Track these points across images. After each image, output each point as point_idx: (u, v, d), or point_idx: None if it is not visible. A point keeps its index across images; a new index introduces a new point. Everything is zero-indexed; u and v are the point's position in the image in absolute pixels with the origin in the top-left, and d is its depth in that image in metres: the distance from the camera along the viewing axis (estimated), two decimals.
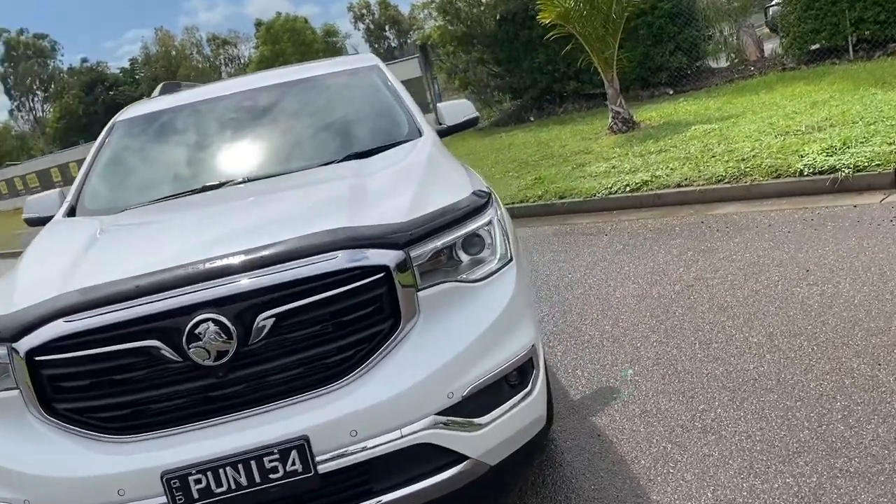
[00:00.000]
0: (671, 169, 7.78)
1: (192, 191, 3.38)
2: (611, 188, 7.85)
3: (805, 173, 6.45)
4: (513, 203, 8.62)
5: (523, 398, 2.53)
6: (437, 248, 2.48)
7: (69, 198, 3.67)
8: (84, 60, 73.13)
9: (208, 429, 2.24)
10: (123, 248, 2.76)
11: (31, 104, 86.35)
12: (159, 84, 4.94)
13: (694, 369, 3.62)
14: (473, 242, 2.61)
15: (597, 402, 3.52)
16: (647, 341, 4.07)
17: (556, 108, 15.96)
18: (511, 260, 2.68)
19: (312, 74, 4.18)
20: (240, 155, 3.71)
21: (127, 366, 2.24)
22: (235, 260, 2.28)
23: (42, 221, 3.75)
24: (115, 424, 2.27)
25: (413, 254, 2.41)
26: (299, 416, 2.24)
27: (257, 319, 2.22)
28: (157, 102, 4.29)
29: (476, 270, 2.57)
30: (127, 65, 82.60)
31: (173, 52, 76.86)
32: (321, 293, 2.27)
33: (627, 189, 7.65)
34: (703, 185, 7.12)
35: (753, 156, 7.29)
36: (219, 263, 2.28)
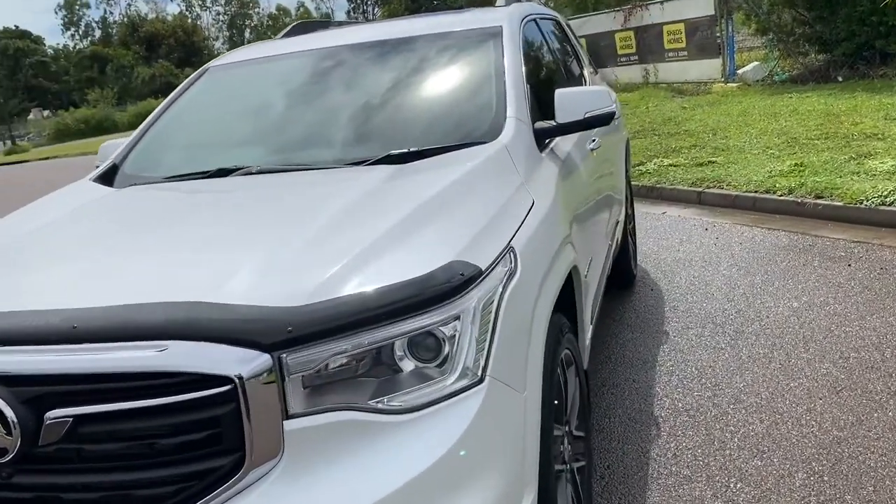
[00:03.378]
0: None
1: (204, 173, 2.78)
2: (885, 196, 5.98)
3: None
4: (756, 191, 7.01)
5: None
6: (345, 352, 1.63)
7: (114, 154, 3.22)
8: None
9: None
10: (35, 256, 2.24)
11: (365, 7, 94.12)
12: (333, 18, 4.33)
13: None
14: (426, 345, 1.72)
15: None
16: (775, 480, 2.80)
17: (874, 69, 12.95)
18: (481, 380, 1.73)
19: (427, 33, 3.29)
20: (282, 133, 3.04)
21: None
22: (44, 321, 1.66)
23: None
24: None
25: (293, 359, 1.60)
26: None
27: (46, 417, 1.60)
28: (265, 47, 3.74)
29: (407, 395, 1.68)
30: None
31: None
32: (133, 399, 1.57)
33: None
34: None
35: None
36: (23, 322, 1.67)
